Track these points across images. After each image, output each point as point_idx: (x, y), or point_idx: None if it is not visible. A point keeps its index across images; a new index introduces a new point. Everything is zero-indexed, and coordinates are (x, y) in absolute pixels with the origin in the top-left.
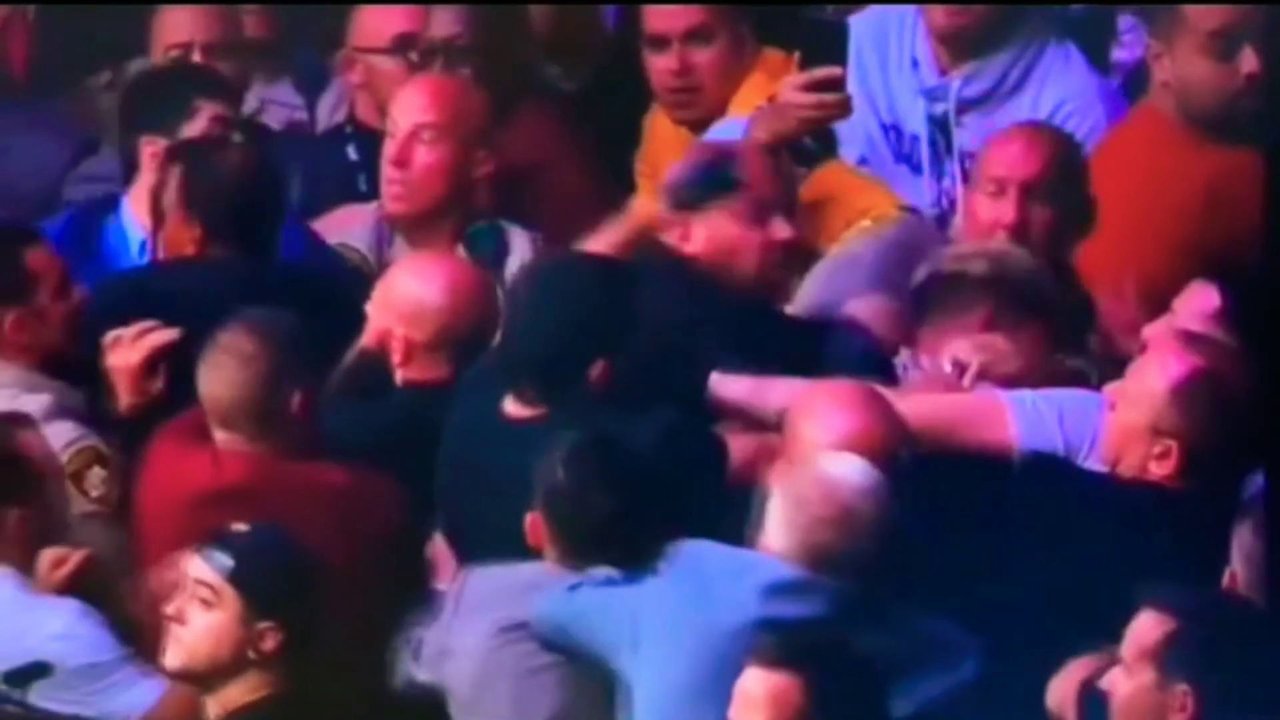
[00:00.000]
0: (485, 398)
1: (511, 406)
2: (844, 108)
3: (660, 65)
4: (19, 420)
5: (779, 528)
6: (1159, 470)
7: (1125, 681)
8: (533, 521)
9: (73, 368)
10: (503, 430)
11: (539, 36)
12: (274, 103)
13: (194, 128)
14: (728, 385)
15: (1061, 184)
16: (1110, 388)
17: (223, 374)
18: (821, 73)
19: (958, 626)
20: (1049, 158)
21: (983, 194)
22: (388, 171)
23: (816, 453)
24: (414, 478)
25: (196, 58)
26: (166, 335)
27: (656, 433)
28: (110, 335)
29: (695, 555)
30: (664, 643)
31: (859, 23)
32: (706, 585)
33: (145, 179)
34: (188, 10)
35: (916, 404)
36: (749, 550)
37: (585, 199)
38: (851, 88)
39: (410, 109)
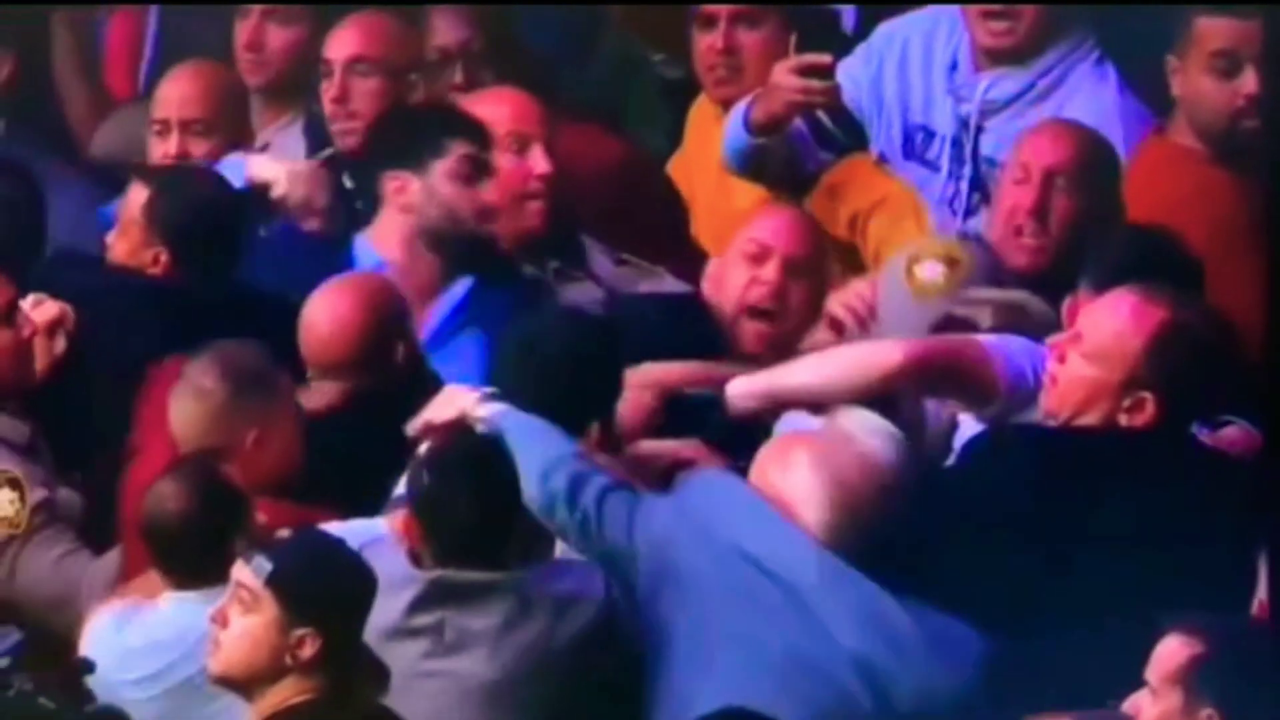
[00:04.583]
0: None
1: None
2: (829, 95)
3: (706, 43)
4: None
5: (816, 504)
6: (1131, 421)
7: (1151, 706)
8: (406, 522)
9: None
10: None
11: (633, 27)
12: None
13: (443, 166)
14: (744, 388)
15: (1089, 179)
16: (1056, 341)
17: (182, 406)
18: (810, 58)
19: (964, 622)
20: (1077, 151)
21: (1010, 180)
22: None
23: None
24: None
25: (174, 135)
26: (55, 310)
27: None
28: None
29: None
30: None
31: (911, 20)
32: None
33: (391, 214)
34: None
35: (914, 344)
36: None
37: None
38: (888, 83)
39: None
